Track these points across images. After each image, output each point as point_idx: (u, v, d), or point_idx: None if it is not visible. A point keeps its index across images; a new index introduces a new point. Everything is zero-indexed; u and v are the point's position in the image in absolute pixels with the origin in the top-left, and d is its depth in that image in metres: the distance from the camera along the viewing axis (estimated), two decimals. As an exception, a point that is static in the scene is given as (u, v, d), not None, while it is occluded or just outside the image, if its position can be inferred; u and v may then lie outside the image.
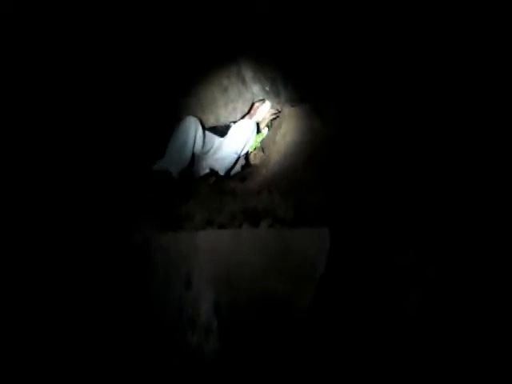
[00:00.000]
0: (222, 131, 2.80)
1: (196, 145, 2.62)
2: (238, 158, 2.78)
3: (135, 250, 1.47)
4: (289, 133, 2.65)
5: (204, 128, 2.74)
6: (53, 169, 1.77)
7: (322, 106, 2.30)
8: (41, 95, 1.81)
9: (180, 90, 2.64)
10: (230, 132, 2.75)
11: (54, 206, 1.65)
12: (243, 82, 2.76)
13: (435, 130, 1.59)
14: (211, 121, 2.82)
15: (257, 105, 2.91)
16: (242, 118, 2.89)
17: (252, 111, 2.92)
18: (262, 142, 2.94)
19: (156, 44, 2.28)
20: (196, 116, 2.73)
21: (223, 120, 2.84)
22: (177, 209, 1.82)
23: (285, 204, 1.63)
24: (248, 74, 2.65)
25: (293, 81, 2.35)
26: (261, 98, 2.79)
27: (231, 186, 2.31)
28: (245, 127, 2.72)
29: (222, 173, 2.56)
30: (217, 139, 2.77)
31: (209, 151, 2.73)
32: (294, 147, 2.45)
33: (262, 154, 2.93)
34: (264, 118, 2.92)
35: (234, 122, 2.86)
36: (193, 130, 2.58)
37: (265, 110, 2.89)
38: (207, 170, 2.53)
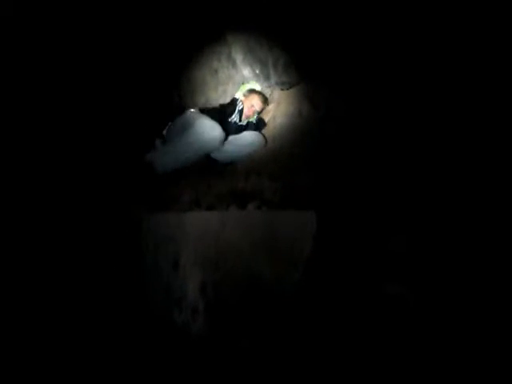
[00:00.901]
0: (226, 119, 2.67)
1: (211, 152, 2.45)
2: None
3: (124, 231, 1.47)
4: (278, 116, 2.65)
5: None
6: (44, 153, 1.75)
7: (312, 89, 2.30)
8: (33, 85, 1.79)
9: (170, 71, 2.61)
10: (242, 137, 2.58)
11: (45, 189, 1.63)
12: (233, 64, 2.74)
13: (423, 117, 1.60)
14: (201, 102, 2.80)
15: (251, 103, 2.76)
16: (239, 111, 2.72)
17: (249, 112, 2.74)
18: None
19: (146, 25, 2.25)
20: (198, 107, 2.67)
21: (213, 102, 2.82)
22: (165, 190, 1.82)
23: (273, 186, 1.63)
24: (238, 57, 2.63)
25: (283, 64, 2.34)
26: (251, 80, 2.76)
27: (219, 167, 2.31)
28: (254, 141, 2.54)
29: (222, 162, 2.51)
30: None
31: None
32: (282, 130, 2.45)
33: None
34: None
35: (228, 109, 2.76)
36: (216, 143, 2.34)
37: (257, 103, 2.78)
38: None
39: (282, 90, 2.58)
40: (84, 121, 2.00)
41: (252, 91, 2.84)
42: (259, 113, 2.80)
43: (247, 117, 2.70)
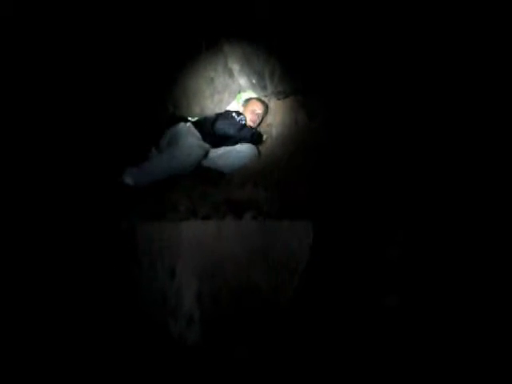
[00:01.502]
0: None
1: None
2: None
3: (120, 240, 1.47)
4: (274, 126, 2.65)
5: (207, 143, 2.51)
6: (41, 157, 1.74)
7: (308, 99, 2.32)
8: (30, 87, 1.79)
9: (166, 80, 2.61)
10: (236, 149, 2.54)
11: (42, 194, 1.63)
12: (230, 73, 2.75)
13: (417, 126, 1.62)
14: (197, 111, 2.80)
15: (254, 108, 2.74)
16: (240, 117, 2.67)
17: (253, 117, 2.73)
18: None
19: (143, 33, 2.25)
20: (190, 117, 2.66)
21: (209, 111, 2.82)
22: (161, 199, 1.81)
23: (269, 196, 1.64)
24: (235, 67, 2.65)
25: (279, 75, 2.36)
26: (247, 90, 2.77)
27: (215, 177, 2.31)
28: (247, 153, 2.50)
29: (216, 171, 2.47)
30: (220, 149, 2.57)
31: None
32: (278, 140, 2.46)
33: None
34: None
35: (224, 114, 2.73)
36: (194, 163, 2.34)
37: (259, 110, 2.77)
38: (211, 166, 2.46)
39: (278, 99, 2.60)
40: (77, 129, 2.00)
41: (249, 99, 2.84)
42: (263, 117, 2.78)
43: (253, 122, 2.69)
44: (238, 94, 2.94)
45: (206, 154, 2.43)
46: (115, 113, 2.26)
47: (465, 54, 1.53)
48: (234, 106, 2.94)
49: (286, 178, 1.85)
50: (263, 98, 2.81)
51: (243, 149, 2.53)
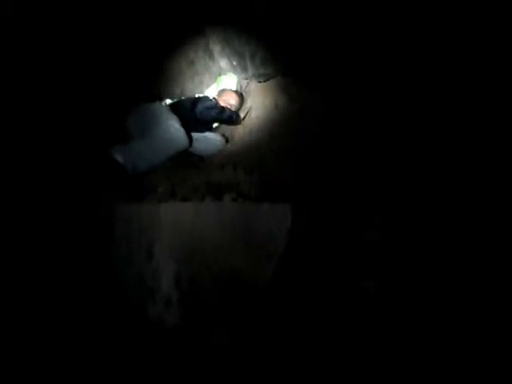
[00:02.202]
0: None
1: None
2: None
3: (98, 221, 1.44)
4: (254, 108, 2.63)
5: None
6: (16, 142, 1.70)
7: (288, 82, 2.30)
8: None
9: (147, 61, 2.56)
10: (207, 136, 2.56)
11: (14, 177, 1.59)
12: (210, 55, 2.71)
13: (397, 106, 1.63)
14: (177, 93, 2.76)
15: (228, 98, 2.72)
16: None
17: (224, 103, 2.68)
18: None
19: (124, 14, 2.19)
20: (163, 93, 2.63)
21: (189, 93, 2.79)
22: (140, 180, 1.79)
23: (248, 179, 1.63)
24: (216, 48, 2.60)
25: (260, 57, 2.33)
26: (228, 72, 2.74)
27: (195, 159, 2.29)
28: (215, 141, 2.54)
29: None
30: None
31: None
32: (259, 123, 2.44)
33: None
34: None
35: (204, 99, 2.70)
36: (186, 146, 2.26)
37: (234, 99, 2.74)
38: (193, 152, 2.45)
39: (259, 82, 2.57)
40: (60, 111, 1.95)
41: (223, 90, 2.81)
42: (239, 108, 2.76)
43: None
44: (219, 77, 2.91)
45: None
46: (96, 94, 2.21)
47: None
48: (214, 88, 2.90)
49: (266, 160, 1.84)
50: (244, 81, 2.79)
51: (212, 136, 2.57)
